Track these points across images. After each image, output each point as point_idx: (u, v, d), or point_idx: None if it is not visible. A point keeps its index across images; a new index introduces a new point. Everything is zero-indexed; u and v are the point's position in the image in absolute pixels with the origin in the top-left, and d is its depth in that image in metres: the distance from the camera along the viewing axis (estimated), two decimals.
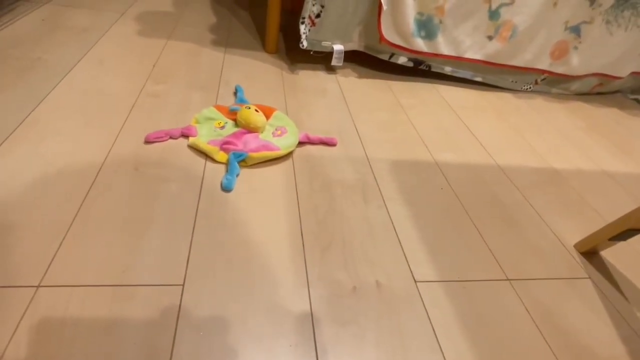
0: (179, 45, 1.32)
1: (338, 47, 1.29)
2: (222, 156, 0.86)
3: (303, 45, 1.23)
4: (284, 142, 0.90)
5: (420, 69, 1.41)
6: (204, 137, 0.89)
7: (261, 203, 0.79)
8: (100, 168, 0.79)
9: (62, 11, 1.40)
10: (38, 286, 0.58)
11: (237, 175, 0.82)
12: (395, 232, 0.78)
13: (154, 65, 1.17)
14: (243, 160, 0.85)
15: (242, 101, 1.06)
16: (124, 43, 1.26)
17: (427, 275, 0.71)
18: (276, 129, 0.96)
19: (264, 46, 1.40)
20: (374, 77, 1.36)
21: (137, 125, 0.92)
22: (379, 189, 0.88)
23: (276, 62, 1.34)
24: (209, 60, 1.27)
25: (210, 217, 0.74)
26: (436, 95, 1.34)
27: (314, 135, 0.98)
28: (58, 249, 0.63)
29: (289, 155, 0.92)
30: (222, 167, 0.85)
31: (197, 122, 0.95)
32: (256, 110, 0.93)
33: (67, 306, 0.56)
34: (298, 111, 1.10)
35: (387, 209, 0.83)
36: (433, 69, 1.38)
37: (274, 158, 0.89)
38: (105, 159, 0.82)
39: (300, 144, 0.96)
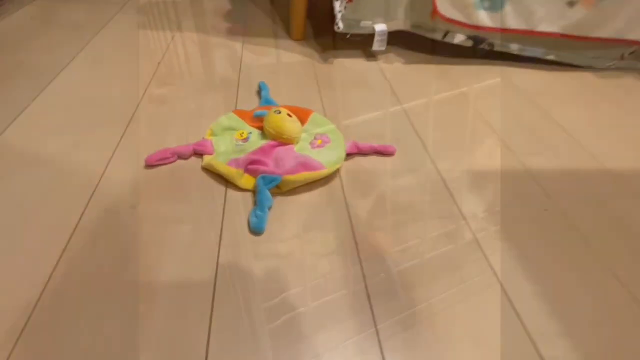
0: (189, 38, 1.10)
1: (380, 27, 1.03)
2: (247, 181, 0.63)
3: (338, 28, 0.99)
4: (329, 157, 0.67)
5: (481, 49, 1.15)
6: (222, 155, 0.67)
7: (305, 247, 0.55)
8: (85, 209, 0.58)
9: (55, 7, 1.19)
10: None
11: (269, 208, 0.60)
12: (500, 284, 0.54)
13: (159, 63, 0.95)
14: (276, 186, 0.62)
15: (268, 102, 0.83)
16: (123, 39, 1.05)
17: (565, 358, 0.47)
18: (315, 138, 0.72)
19: (290, 33, 1.16)
20: (424, 62, 1.10)
21: (136, 142, 0.70)
22: (462, 214, 0.64)
23: (305, 51, 1.09)
24: (225, 54, 1.04)
25: (236, 278, 0.50)
26: (504, 80, 1.07)
27: (364, 142, 0.74)
28: (12, 350, 0.42)
29: (335, 172, 0.69)
30: (249, 196, 0.63)
31: (213, 134, 0.73)
32: (288, 115, 0.70)
33: None
34: (338, 112, 0.86)
35: (480, 246, 0.59)
36: (496, 48, 1.11)
37: (316, 180, 0.65)
38: (93, 193, 0.60)
39: (348, 155, 0.72)
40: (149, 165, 0.65)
